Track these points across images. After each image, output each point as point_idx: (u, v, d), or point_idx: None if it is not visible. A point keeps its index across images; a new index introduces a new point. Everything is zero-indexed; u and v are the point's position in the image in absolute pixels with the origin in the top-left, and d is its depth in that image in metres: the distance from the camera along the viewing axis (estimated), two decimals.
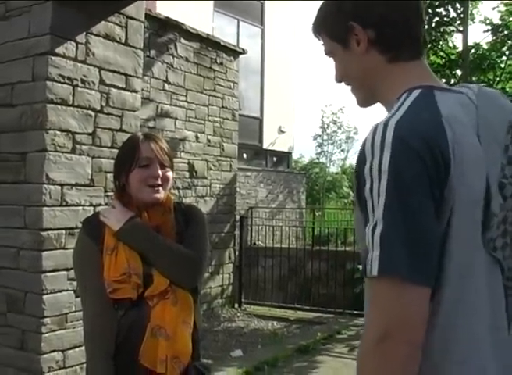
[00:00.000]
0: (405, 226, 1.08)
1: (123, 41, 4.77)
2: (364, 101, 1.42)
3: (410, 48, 1.30)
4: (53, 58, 4.21)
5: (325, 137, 27.65)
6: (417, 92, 1.21)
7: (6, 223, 4.40)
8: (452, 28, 12.62)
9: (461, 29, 12.00)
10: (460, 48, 12.32)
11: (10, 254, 4.35)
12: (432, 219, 1.10)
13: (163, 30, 8.46)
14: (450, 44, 13.15)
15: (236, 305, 9.78)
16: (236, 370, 6.06)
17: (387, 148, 1.10)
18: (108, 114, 4.66)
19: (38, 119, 4.20)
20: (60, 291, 4.29)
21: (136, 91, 4.90)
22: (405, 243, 1.07)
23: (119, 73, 4.74)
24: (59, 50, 4.25)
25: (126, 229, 2.11)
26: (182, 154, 8.68)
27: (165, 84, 8.50)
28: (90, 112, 4.52)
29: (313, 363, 6.59)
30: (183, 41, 8.84)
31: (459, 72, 12.71)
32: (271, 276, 10.10)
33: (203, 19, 13.68)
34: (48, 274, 4.21)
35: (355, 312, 8.79)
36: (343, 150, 28.72)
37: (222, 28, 15.33)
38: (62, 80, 4.28)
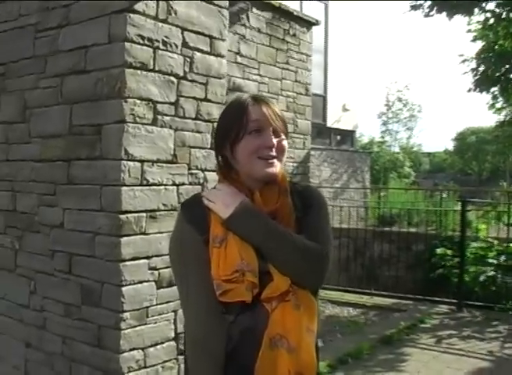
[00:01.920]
0: None
1: None
2: None
3: None
4: (132, 15, 3.65)
5: (390, 115, 26.85)
6: None
7: (81, 205, 3.91)
8: None
9: None
10: None
11: (85, 239, 3.86)
12: None
13: None
14: None
15: None
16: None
17: None
18: (192, 81, 4.10)
19: (116, 86, 3.66)
20: (141, 282, 3.77)
21: (221, 56, 4.32)
22: None
23: (203, 34, 4.16)
24: (139, 6, 3.69)
25: (238, 215, 1.75)
26: None
27: (238, 57, 8.04)
28: (172, 78, 3.95)
29: (399, 356, 6.23)
30: (255, 10, 8.34)
31: None
32: (335, 257, 9.66)
33: None
34: (128, 263, 3.69)
35: (435, 298, 8.54)
36: (408, 128, 27.86)
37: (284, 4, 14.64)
38: (141, 42, 3.72)
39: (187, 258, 1.81)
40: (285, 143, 1.87)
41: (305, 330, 1.72)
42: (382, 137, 27.61)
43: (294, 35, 9.09)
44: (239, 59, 8.03)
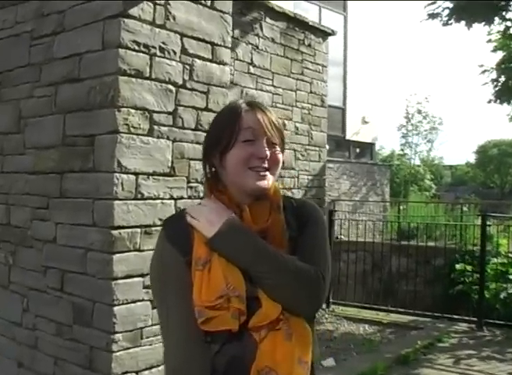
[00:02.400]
0: None
1: (209, 4, 4.00)
2: None
3: None
4: (126, 20, 3.47)
5: (410, 128, 26.53)
6: None
7: (73, 220, 3.72)
8: None
9: None
10: None
11: (77, 256, 3.67)
12: None
13: (247, 8, 7.83)
14: None
15: (324, 306, 9.11)
16: None
17: None
18: (192, 89, 3.90)
19: (109, 95, 3.47)
20: (134, 302, 3.57)
21: (224, 63, 4.12)
22: None
23: (204, 41, 3.97)
24: (134, 11, 3.51)
25: (223, 234, 1.57)
26: None
27: (250, 67, 7.91)
28: (170, 86, 3.76)
29: None
30: (268, 20, 8.21)
31: None
32: (354, 272, 9.62)
33: (283, 5, 12.95)
34: (120, 281, 3.49)
35: (454, 316, 8.24)
36: (428, 141, 27.48)
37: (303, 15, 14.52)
38: (136, 48, 3.54)
39: (168, 281, 1.63)
40: (279, 156, 1.70)
41: (297, 362, 1.54)
42: (402, 150, 27.28)
43: (309, 45, 8.93)
44: (252, 70, 7.89)
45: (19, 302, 4.16)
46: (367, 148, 18.45)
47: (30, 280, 4.09)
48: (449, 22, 8.56)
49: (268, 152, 1.64)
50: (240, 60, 7.71)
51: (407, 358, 6.43)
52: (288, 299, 1.56)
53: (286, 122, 8.33)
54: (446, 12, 8.64)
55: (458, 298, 8.73)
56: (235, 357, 1.53)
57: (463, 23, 8.49)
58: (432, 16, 8.79)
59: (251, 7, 7.83)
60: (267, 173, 1.65)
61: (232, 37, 7.49)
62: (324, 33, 9.32)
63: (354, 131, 17.23)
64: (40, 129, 3.99)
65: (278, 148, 1.69)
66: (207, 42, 3.99)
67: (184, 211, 1.71)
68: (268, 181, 1.66)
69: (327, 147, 14.69)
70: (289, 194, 8.19)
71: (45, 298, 3.94)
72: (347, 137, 16.89)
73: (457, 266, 8.89)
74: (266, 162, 1.65)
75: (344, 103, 16.74)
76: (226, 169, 1.66)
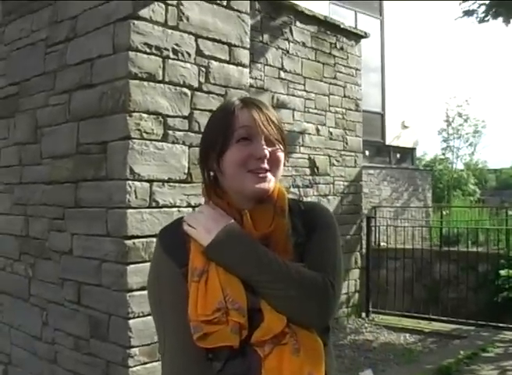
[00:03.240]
0: None
1: (225, 4, 3.86)
2: None
3: None
4: (136, 22, 3.35)
5: (451, 131, 25.93)
6: None
7: (88, 230, 3.62)
8: None
9: None
10: None
11: (92, 267, 3.56)
12: None
13: (276, 12, 7.73)
14: None
15: (364, 315, 9.01)
16: None
17: None
18: (209, 92, 3.76)
19: (120, 100, 3.36)
20: (151, 315, 3.42)
21: (243, 65, 3.97)
22: None
23: (220, 42, 3.83)
24: (144, 13, 3.40)
25: (220, 242, 1.45)
26: (301, 148, 7.94)
27: (281, 72, 7.78)
28: (185, 89, 3.63)
29: None
30: (298, 24, 8.08)
31: None
32: (396, 279, 9.33)
33: (317, 10, 12.86)
34: (135, 293, 3.35)
35: (499, 324, 7.86)
36: (470, 144, 26.82)
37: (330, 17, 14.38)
38: (148, 50, 3.42)
39: (164, 294, 1.51)
40: (280, 154, 1.54)
41: None
42: (443, 154, 26.68)
43: (342, 49, 8.76)
44: (282, 75, 7.76)
45: (39, 316, 4.09)
46: (407, 154, 18.09)
47: (48, 293, 4.00)
48: (486, 18, 8.28)
49: (267, 151, 1.50)
50: (270, 65, 7.59)
51: (448, 369, 6.13)
52: (293, 310, 1.43)
53: (319, 127, 8.16)
54: (483, 8, 8.36)
55: (504, 306, 8.44)
56: None
57: (500, 19, 8.20)
58: (468, 13, 8.51)
59: (280, 11, 7.71)
60: (267, 174, 1.51)
61: (261, 41, 7.44)
62: (356, 36, 9.14)
63: (394, 137, 16.92)
64: (55, 138, 3.92)
65: (278, 147, 1.54)
66: (223, 43, 3.85)
67: (181, 219, 1.58)
68: (269, 183, 1.51)
69: (366, 153, 14.62)
70: (324, 200, 8.02)
71: (63, 311, 3.84)
72: (387, 143, 16.58)
73: (502, 272, 8.59)
74: (266, 162, 1.50)
75: (383, 108, 16.44)
76: (224, 172, 1.53)
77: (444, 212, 16.13)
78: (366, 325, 8.52)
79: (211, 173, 1.58)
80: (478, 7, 8.39)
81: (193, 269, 1.45)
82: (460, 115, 25.46)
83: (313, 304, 1.44)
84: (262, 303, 1.42)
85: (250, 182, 1.49)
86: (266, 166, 1.50)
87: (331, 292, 1.46)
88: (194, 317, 1.40)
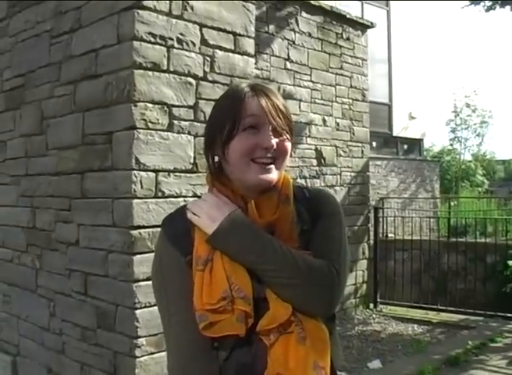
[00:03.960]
0: None
1: None
2: None
3: None
4: (140, 12, 3.34)
5: (459, 122, 25.77)
6: None
7: (94, 220, 3.61)
8: None
9: None
10: None
11: (99, 258, 3.56)
12: None
13: (282, 3, 7.70)
14: None
15: (372, 306, 9.03)
16: None
17: None
18: (214, 82, 3.74)
19: (124, 90, 3.35)
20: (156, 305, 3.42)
21: (248, 54, 3.94)
22: None
23: (225, 31, 3.80)
24: (148, 2, 3.38)
25: (224, 230, 1.43)
26: (308, 139, 7.93)
27: (287, 63, 7.76)
28: (190, 79, 3.61)
29: None
30: (304, 14, 8.04)
31: None
32: (404, 270, 9.39)
33: (324, 1, 12.78)
34: (142, 283, 3.34)
35: (508, 314, 7.88)
36: (478, 135, 26.64)
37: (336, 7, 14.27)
38: (152, 40, 3.40)
39: (168, 284, 1.49)
40: (287, 144, 1.51)
41: (312, 368, 1.37)
42: (451, 145, 26.51)
43: (348, 39, 8.72)
44: (288, 65, 7.73)
45: (47, 307, 4.09)
46: (415, 145, 18.01)
47: (55, 284, 4.01)
48: (493, 7, 8.20)
49: (273, 142, 1.47)
50: (276, 56, 7.56)
51: (457, 359, 6.14)
52: (299, 299, 1.41)
53: (325, 118, 8.13)
54: None
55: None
56: (245, 364, 1.39)
57: (508, 7, 8.12)
58: (475, 1, 8.44)
59: (286, 1, 7.67)
60: (271, 166, 1.49)
61: (267, 32, 7.41)
62: (363, 26, 9.09)
63: (402, 128, 16.85)
64: (60, 129, 3.91)
65: (285, 137, 1.51)
66: (228, 32, 3.83)
67: (185, 207, 1.56)
68: (273, 174, 1.49)
69: (374, 144, 14.56)
70: (331, 191, 8.00)
71: (70, 301, 3.85)
72: (395, 134, 16.52)
73: (511, 263, 8.54)
74: (272, 152, 1.48)
75: (390, 99, 16.37)
76: (228, 160, 1.50)
77: (452, 203, 16.02)
78: (374, 316, 8.54)
79: (216, 160, 1.56)
80: None
81: (197, 257, 1.44)
82: (467, 105, 25.27)
83: (318, 292, 1.43)
84: (268, 292, 1.41)
85: (253, 172, 1.48)
86: (271, 155, 1.48)
87: (336, 280, 1.45)
88: (200, 306, 1.39)
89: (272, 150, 1.47)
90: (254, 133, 1.47)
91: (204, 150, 1.58)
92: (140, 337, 3.34)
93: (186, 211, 1.53)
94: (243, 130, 1.47)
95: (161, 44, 3.45)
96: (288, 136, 1.52)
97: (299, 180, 7.49)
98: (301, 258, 1.43)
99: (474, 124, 25.91)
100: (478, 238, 9.85)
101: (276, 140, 1.48)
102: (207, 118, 3.60)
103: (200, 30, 3.66)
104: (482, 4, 8.36)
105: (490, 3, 8.27)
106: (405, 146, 17.45)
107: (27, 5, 4.34)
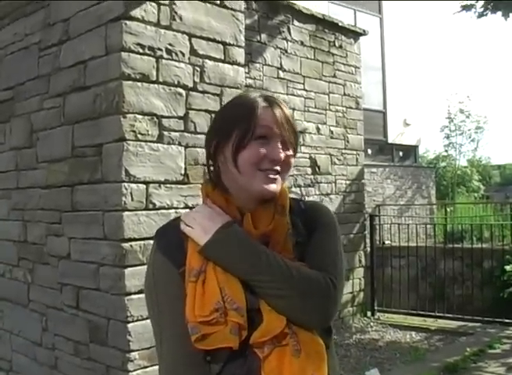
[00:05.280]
0: None
1: (218, 2, 3.82)
2: None
3: None
4: (128, 23, 3.32)
5: (453, 128, 25.80)
6: None
7: (85, 234, 3.58)
8: None
9: None
10: None
11: (90, 271, 3.53)
12: None
13: (274, 11, 7.69)
14: None
15: (369, 314, 8.95)
16: None
17: None
18: (204, 92, 3.72)
19: (113, 101, 3.32)
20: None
21: (238, 64, 3.93)
22: None
23: (214, 41, 3.79)
24: (136, 13, 3.36)
25: (217, 241, 1.42)
26: (302, 148, 7.89)
27: (280, 71, 7.74)
28: (179, 90, 3.59)
29: None
30: (296, 23, 8.04)
31: None
32: (401, 277, 9.32)
33: (316, 10, 12.80)
34: (134, 296, 3.31)
35: (506, 320, 7.81)
36: (473, 140, 26.66)
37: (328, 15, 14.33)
38: (141, 51, 3.38)
39: (161, 295, 1.47)
40: (292, 159, 1.52)
41: None
42: (446, 151, 26.52)
43: (341, 47, 8.72)
44: (281, 74, 7.72)
45: (39, 321, 4.06)
46: (410, 151, 18.04)
47: (47, 298, 3.97)
48: (485, 13, 8.22)
49: (282, 155, 1.48)
50: (269, 65, 7.55)
51: (455, 366, 6.10)
52: (294, 311, 1.39)
53: (319, 126, 8.12)
54: (481, 3, 8.29)
55: (510, 301, 8.40)
56: None
57: (499, 13, 8.14)
58: (466, 7, 8.45)
59: (277, 10, 7.67)
60: (277, 176, 1.49)
61: (259, 41, 7.40)
62: (355, 34, 9.09)
63: (397, 134, 16.88)
64: (50, 142, 3.89)
65: (291, 151, 1.51)
66: (218, 42, 3.81)
67: (178, 219, 1.54)
68: (278, 185, 1.49)
69: (369, 151, 14.56)
70: (326, 199, 7.99)
71: (62, 316, 3.81)
72: (390, 141, 16.54)
73: (508, 268, 8.54)
74: (279, 164, 1.48)
75: (385, 106, 16.41)
76: (234, 168, 1.48)
77: (448, 209, 16.04)
78: (371, 324, 8.48)
79: (217, 167, 1.54)
80: (477, 1, 8.34)
81: (190, 269, 1.42)
82: (461, 111, 25.27)
83: (314, 304, 1.40)
84: (261, 303, 1.39)
85: (259, 181, 1.47)
86: (278, 168, 1.48)
87: (333, 292, 1.42)
88: (192, 318, 1.36)
89: (279, 163, 1.48)
90: (264, 144, 1.46)
91: (207, 156, 1.56)
92: (132, 350, 3.30)
93: (179, 223, 1.51)
94: (254, 139, 1.46)
95: (149, 55, 3.43)
96: (293, 152, 1.52)
97: (294, 189, 7.47)
98: (296, 269, 1.40)
99: (469, 130, 25.94)
100: (475, 244, 9.86)
101: (284, 154, 1.48)
102: (197, 128, 3.61)
103: (190, 40, 3.65)
104: (474, 10, 8.38)
105: (481, 9, 8.29)
106: (400, 153, 17.47)
107: (16, 17, 4.32)
